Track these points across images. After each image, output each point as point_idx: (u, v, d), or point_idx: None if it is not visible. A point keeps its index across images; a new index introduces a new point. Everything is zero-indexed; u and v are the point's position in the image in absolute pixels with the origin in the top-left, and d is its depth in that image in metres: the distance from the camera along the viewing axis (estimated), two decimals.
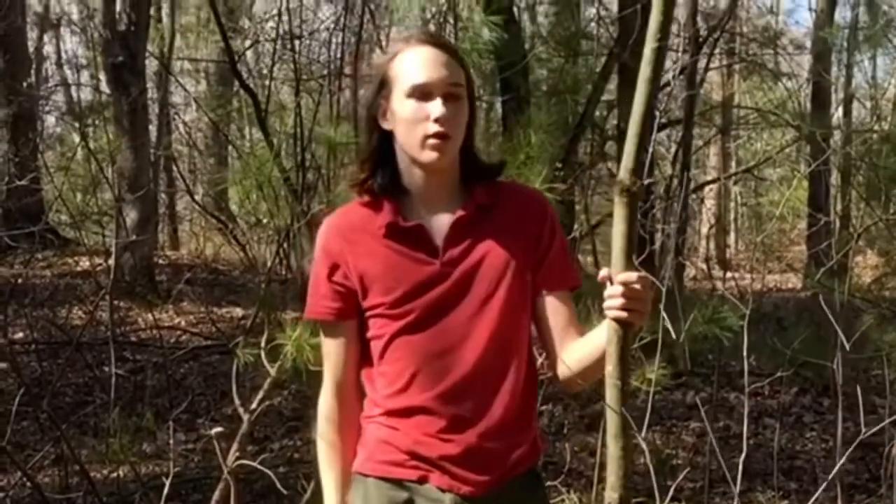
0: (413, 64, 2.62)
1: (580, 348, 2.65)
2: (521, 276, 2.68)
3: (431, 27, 11.46)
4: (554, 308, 2.73)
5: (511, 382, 2.68)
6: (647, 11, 2.30)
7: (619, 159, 2.34)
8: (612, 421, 2.36)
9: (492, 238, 2.67)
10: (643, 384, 5.25)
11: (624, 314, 2.34)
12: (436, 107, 2.58)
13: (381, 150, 2.69)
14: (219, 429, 5.39)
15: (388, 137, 2.69)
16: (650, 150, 3.28)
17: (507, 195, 2.76)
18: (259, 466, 5.26)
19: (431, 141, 2.59)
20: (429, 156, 2.61)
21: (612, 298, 2.35)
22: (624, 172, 2.29)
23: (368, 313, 2.69)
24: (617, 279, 2.35)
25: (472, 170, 2.74)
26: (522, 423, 2.71)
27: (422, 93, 2.59)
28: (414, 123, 2.59)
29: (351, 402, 2.78)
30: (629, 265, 2.35)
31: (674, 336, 3.98)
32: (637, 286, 2.34)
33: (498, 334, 2.65)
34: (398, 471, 2.66)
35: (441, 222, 2.67)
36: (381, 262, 2.65)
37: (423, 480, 2.64)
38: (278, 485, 5.03)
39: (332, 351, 2.77)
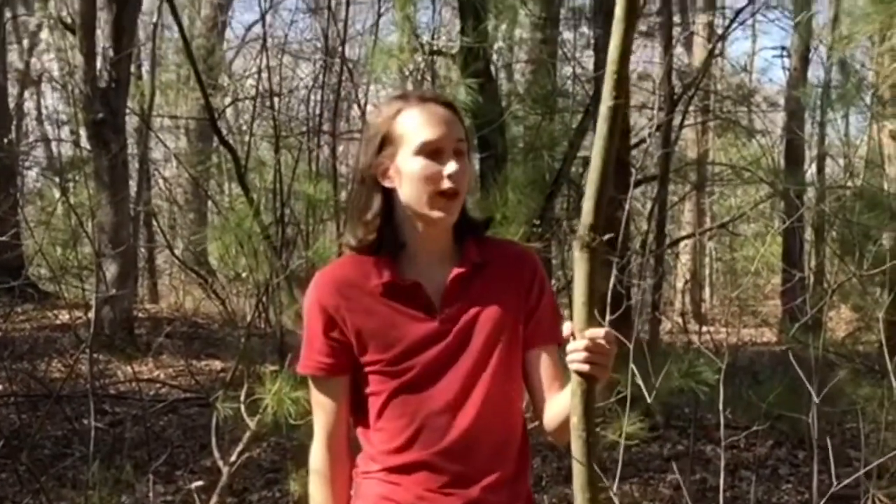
0: (421, 121, 2.62)
1: (558, 402, 2.65)
2: (514, 332, 2.71)
3: (409, 86, 11.57)
4: (541, 362, 2.74)
5: (510, 437, 2.72)
6: None
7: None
8: (578, 473, 2.40)
9: (486, 295, 2.69)
10: (620, 437, 5.31)
11: (586, 367, 2.35)
12: (449, 164, 2.60)
13: (383, 209, 2.67)
14: (199, 482, 5.41)
15: (387, 196, 2.67)
16: (627, 206, 3.36)
17: (497, 252, 2.78)
18: None
19: (443, 198, 2.61)
20: (439, 213, 2.61)
21: (576, 352, 2.37)
22: (583, 229, 2.32)
23: (366, 369, 2.67)
24: (583, 334, 2.38)
25: (464, 225, 2.74)
26: (520, 476, 2.74)
27: (432, 150, 2.60)
28: (425, 181, 2.60)
29: (343, 457, 2.76)
30: (592, 319, 2.38)
31: (649, 390, 4.06)
32: (601, 341, 2.36)
33: (496, 390, 2.67)
34: None
35: (436, 279, 2.68)
36: (380, 320, 2.64)
37: None
38: None
39: (324, 406, 2.74)
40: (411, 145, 2.61)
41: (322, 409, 2.75)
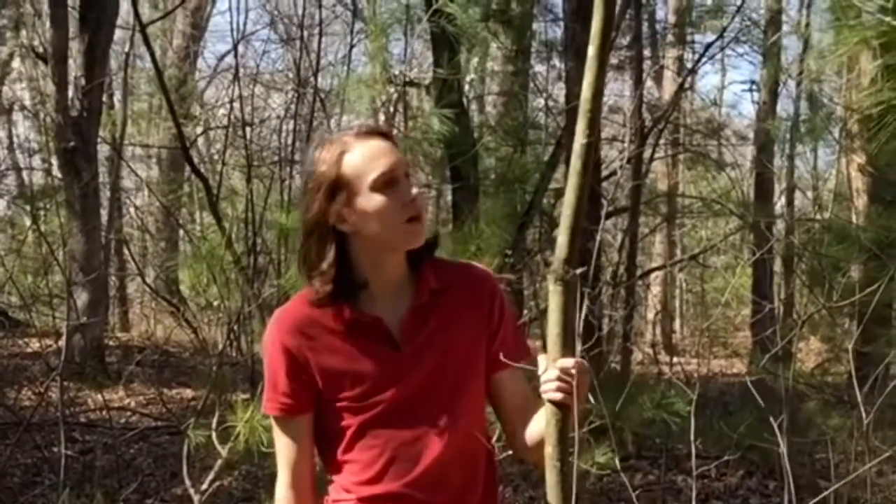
0: (367, 158, 2.60)
1: (533, 428, 2.68)
2: (479, 358, 2.73)
3: (381, 116, 11.60)
4: (508, 384, 2.77)
5: (480, 464, 2.74)
6: None
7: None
8: (553, 501, 2.45)
9: (447, 324, 2.70)
10: (592, 467, 5.33)
11: (559, 396, 2.41)
12: (408, 190, 2.61)
13: (339, 256, 2.64)
14: None
15: (340, 241, 2.64)
16: (598, 238, 3.40)
17: (454, 275, 2.78)
18: None
19: (412, 223, 2.60)
20: (411, 239, 2.63)
21: (549, 382, 2.43)
22: (557, 263, 2.40)
23: (333, 404, 2.68)
24: (554, 364, 2.43)
25: (417, 249, 2.70)
26: (494, 497, 2.78)
27: (386, 182, 2.58)
28: (390, 214, 2.58)
29: (307, 494, 2.76)
30: (566, 350, 2.43)
31: (621, 420, 4.09)
32: (573, 370, 2.41)
33: (465, 418, 2.70)
34: None
35: (396, 311, 2.68)
36: (343, 358, 2.64)
37: None
38: None
39: (288, 445, 2.73)
40: (365, 184, 2.58)
41: (286, 448, 2.74)
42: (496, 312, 2.76)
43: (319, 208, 2.62)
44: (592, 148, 2.37)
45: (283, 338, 2.66)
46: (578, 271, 2.40)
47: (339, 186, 2.60)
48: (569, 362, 2.42)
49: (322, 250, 2.63)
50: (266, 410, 2.75)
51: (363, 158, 2.60)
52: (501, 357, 2.69)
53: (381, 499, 2.66)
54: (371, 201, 2.59)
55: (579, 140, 2.34)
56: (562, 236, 2.40)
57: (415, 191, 2.61)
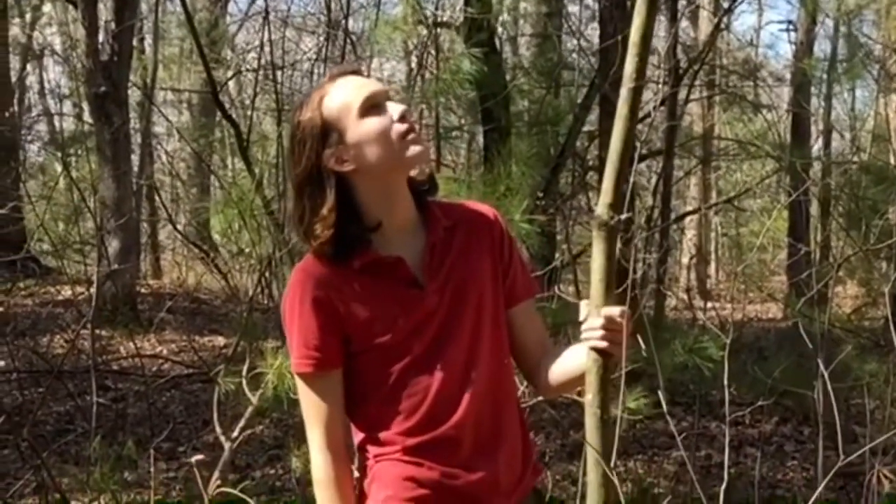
0: (347, 92, 2.58)
1: (561, 367, 2.68)
2: (497, 291, 2.71)
3: (413, 58, 11.49)
4: (524, 320, 2.76)
5: (511, 402, 2.72)
6: (627, 42, 2.34)
7: (599, 191, 2.38)
8: (592, 449, 2.39)
9: (465, 256, 2.67)
10: (624, 413, 5.27)
11: (603, 344, 2.38)
12: (394, 107, 2.57)
13: (343, 203, 2.58)
14: (200, 456, 5.36)
15: (340, 186, 2.59)
16: (631, 180, 3.31)
17: (461, 213, 2.76)
18: (241, 494, 5.22)
19: (410, 136, 2.56)
20: (414, 150, 2.57)
21: (592, 330, 2.40)
22: (602, 208, 2.34)
23: (367, 355, 2.62)
24: (599, 312, 2.39)
25: (419, 188, 2.70)
26: (526, 434, 2.77)
27: (371, 107, 2.55)
28: (385, 133, 2.55)
29: (345, 458, 2.68)
30: (609, 298, 2.39)
31: (655, 365, 4.01)
32: (618, 319, 2.39)
33: (496, 352, 2.67)
34: None
35: (413, 250, 2.64)
36: (372, 304, 2.59)
37: None
38: None
39: (320, 403, 2.63)
40: (352, 115, 2.55)
41: (318, 407, 2.64)
42: (506, 247, 2.75)
43: (312, 156, 2.57)
44: (640, 93, 2.33)
45: (311, 292, 2.58)
46: (623, 217, 2.34)
47: (328, 128, 2.56)
48: (615, 310, 2.39)
49: (320, 198, 2.57)
50: (298, 369, 2.63)
51: (344, 94, 2.58)
52: (514, 295, 2.73)
53: (428, 445, 2.61)
54: (363, 127, 2.55)
55: (626, 84, 2.29)
56: (607, 181, 2.35)
57: (398, 108, 2.58)
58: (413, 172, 2.65)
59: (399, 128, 2.55)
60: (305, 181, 2.59)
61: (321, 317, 2.57)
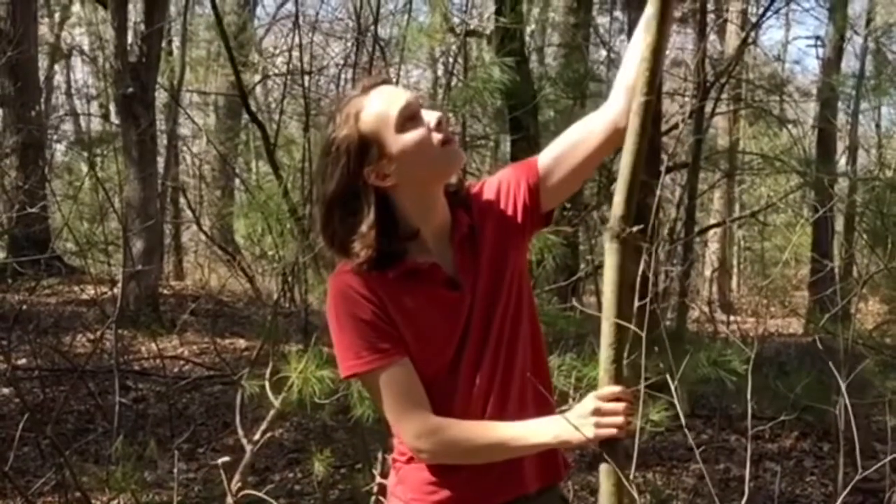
0: (382, 105, 2.55)
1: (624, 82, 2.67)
2: (524, 278, 2.72)
3: (440, 66, 11.53)
4: (552, 154, 2.74)
5: (546, 396, 2.69)
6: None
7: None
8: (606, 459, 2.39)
9: (488, 250, 2.66)
10: (647, 424, 5.27)
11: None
12: (429, 115, 2.57)
13: (379, 213, 2.54)
14: (226, 458, 5.37)
15: (380, 198, 2.56)
16: (658, 192, 3.31)
17: (477, 206, 2.73)
18: (265, 497, 5.24)
19: (448, 146, 2.57)
20: (454, 158, 2.60)
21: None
22: (614, 220, 2.33)
23: (415, 365, 2.58)
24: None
25: (449, 192, 2.69)
26: None
27: (407, 119, 2.54)
28: (425, 145, 2.54)
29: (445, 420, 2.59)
30: (621, 309, 2.36)
31: (675, 379, 4.01)
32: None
33: (533, 345, 2.70)
34: None
35: (444, 253, 2.63)
36: (414, 313, 2.57)
37: None
38: None
39: (404, 390, 2.56)
40: (391, 128, 2.53)
41: (403, 394, 2.57)
42: (503, 194, 2.73)
43: (349, 172, 2.54)
44: (651, 106, 2.30)
45: (358, 290, 2.54)
46: (635, 229, 2.32)
47: (367, 143, 2.53)
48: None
49: (358, 214, 2.54)
50: (362, 368, 2.56)
51: (379, 107, 2.55)
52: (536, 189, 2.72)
53: None
54: (403, 141, 2.53)
55: (637, 98, 2.27)
56: (619, 193, 2.34)
57: (433, 116, 2.57)
58: (452, 179, 2.67)
59: (437, 137, 2.55)
60: (339, 197, 2.56)
61: (376, 313, 2.54)
